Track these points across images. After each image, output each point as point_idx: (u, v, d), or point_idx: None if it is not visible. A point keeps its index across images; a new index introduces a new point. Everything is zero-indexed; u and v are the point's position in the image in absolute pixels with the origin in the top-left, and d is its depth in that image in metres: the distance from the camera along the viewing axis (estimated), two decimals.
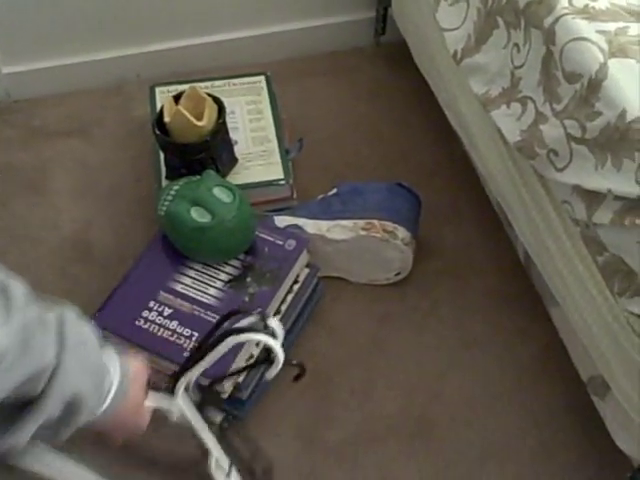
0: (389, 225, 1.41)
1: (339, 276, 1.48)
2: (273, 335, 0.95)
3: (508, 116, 1.20)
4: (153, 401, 0.95)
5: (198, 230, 1.26)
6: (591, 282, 1.08)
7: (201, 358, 0.96)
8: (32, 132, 1.72)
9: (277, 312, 1.32)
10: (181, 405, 0.99)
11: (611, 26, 1.04)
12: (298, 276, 1.37)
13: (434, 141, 1.69)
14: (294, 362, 1.04)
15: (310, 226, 1.42)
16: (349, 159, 1.65)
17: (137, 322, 1.25)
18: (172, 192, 1.31)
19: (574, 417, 1.32)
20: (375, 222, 1.41)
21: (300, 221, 1.42)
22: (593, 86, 1.00)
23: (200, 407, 1.04)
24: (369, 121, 1.74)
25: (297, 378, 1.06)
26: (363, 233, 1.40)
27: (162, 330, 1.24)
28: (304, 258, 1.37)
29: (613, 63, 1.00)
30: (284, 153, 1.50)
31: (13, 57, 1.70)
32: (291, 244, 1.35)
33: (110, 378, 0.83)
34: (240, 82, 1.61)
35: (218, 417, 1.27)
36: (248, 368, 1.19)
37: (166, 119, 1.35)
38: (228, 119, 1.45)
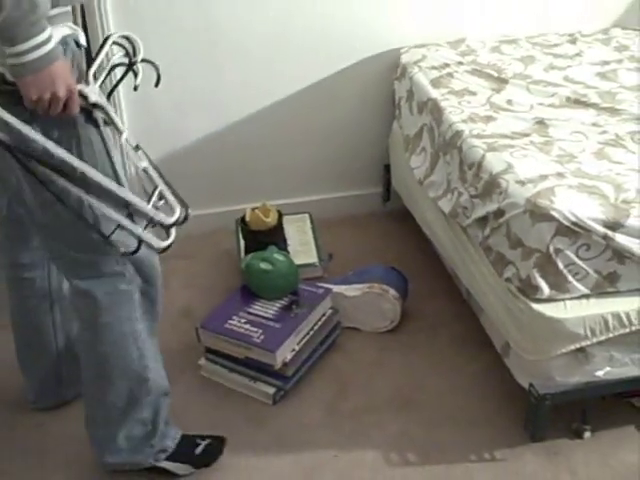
0: (384, 286, 2.23)
1: (353, 326, 2.26)
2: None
3: (447, 201, 2.07)
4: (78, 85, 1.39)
5: (264, 273, 2.12)
6: (490, 275, 1.87)
7: (97, 56, 1.47)
8: None
9: (311, 329, 2.10)
10: (96, 88, 1.43)
11: (490, 140, 1.95)
12: (325, 313, 2.16)
13: (422, 255, 2.53)
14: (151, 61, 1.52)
15: (334, 288, 2.24)
16: (361, 265, 2.49)
17: (226, 325, 2.06)
18: (250, 256, 2.19)
19: (507, 398, 2.01)
20: (375, 285, 2.23)
21: (328, 286, 2.25)
22: (478, 166, 1.89)
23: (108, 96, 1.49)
24: (378, 249, 2.62)
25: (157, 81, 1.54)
26: (367, 291, 2.22)
27: (241, 329, 2.04)
28: (328, 301, 2.18)
29: (489, 154, 1.89)
30: (319, 251, 2.39)
31: None
32: (320, 290, 2.17)
33: (47, 36, 1.27)
34: (292, 217, 2.55)
35: (271, 389, 2.01)
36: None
37: (247, 219, 2.28)
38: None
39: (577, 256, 1.68)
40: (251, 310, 2.11)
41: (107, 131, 1.48)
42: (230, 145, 2.65)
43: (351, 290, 2.24)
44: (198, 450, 1.83)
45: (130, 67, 1.51)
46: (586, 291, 1.72)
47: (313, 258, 2.37)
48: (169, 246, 1.46)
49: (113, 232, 1.47)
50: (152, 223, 1.43)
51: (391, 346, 2.22)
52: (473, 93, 2.22)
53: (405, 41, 2.56)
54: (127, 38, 1.51)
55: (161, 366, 1.75)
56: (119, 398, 1.69)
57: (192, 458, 1.82)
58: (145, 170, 1.45)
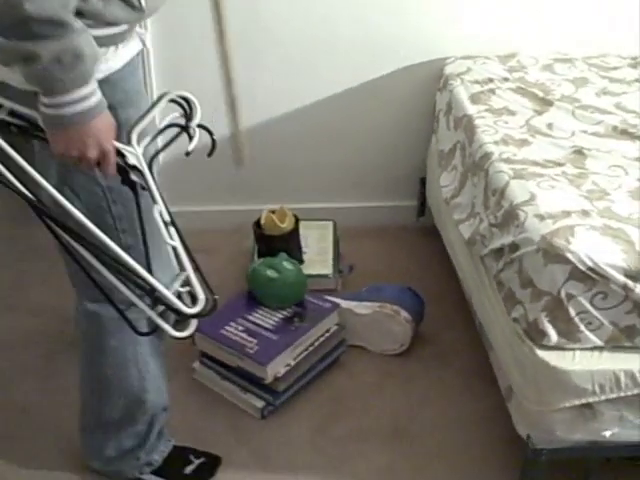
0: (395, 307, 2.11)
1: (361, 345, 2.15)
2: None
3: (468, 226, 1.94)
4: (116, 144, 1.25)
5: (269, 280, 2.02)
6: (500, 312, 1.73)
7: (146, 115, 1.31)
8: None
9: (311, 345, 1.99)
10: (137, 151, 1.28)
11: (519, 166, 1.81)
12: (330, 328, 2.05)
13: (446, 277, 2.39)
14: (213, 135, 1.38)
15: (344, 304, 2.13)
16: (382, 280, 2.37)
17: (222, 331, 1.97)
18: (258, 262, 2.10)
19: (506, 445, 1.87)
20: (387, 305, 2.11)
21: (338, 300, 2.14)
22: (501, 193, 1.75)
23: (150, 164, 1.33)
24: (402, 266, 2.50)
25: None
26: (378, 310, 2.10)
27: (236, 336, 1.95)
28: (335, 316, 2.07)
29: (514, 182, 1.75)
30: (336, 262, 2.27)
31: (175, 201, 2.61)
32: (327, 305, 2.07)
33: (91, 89, 1.13)
34: (315, 223, 2.44)
35: (260, 403, 1.92)
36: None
37: (262, 221, 2.19)
38: (302, 241, 2.26)
39: (592, 304, 1.53)
40: (251, 318, 2.02)
41: (145, 196, 1.33)
42: (264, 143, 2.55)
43: (361, 307, 2.12)
44: (188, 470, 1.77)
45: (184, 130, 1.36)
46: (599, 343, 1.57)
47: (327, 269, 2.26)
48: (186, 337, 1.39)
49: (123, 312, 1.43)
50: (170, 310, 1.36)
51: (396, 371, 2.10)
52: (512, 113, 2.07)
53: (454, 51, 2.42)
54: (185, 99, 1.36)
55: (163, 383, 1.69)
56: (115, 413, 1.65)
57: (180, 477, 1.76)
58: (174, 249, 1.35)
